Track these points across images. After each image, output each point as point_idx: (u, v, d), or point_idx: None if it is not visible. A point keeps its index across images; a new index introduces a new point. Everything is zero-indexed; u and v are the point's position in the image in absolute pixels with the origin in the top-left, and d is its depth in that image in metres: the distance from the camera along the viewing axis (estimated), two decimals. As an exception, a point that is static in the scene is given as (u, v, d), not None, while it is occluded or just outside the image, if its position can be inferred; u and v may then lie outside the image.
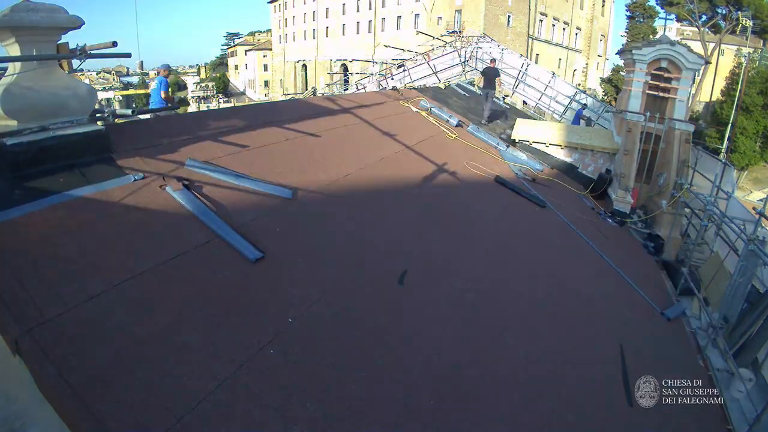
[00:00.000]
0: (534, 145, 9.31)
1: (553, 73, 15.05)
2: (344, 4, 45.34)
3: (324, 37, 49.00)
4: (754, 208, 6.32)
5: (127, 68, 67.44)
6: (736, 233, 5.56)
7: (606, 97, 29.55)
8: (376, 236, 3.90)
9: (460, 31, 17.90)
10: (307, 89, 40.94)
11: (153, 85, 8.67)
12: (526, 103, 15.83)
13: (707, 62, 14.22)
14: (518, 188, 6.69)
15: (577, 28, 40.61)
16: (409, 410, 2.35)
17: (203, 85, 66.79)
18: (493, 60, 11.52)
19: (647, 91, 8.57)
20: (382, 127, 6.37)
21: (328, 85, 31.11)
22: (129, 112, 3.66)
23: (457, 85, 13.39)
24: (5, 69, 2.91)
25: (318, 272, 3.05)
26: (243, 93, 62.75)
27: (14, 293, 1.99)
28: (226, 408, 1.92)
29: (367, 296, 3.08)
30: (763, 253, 4.57)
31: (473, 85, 14.24)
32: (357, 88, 18.76)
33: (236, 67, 69.08)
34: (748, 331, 4.74)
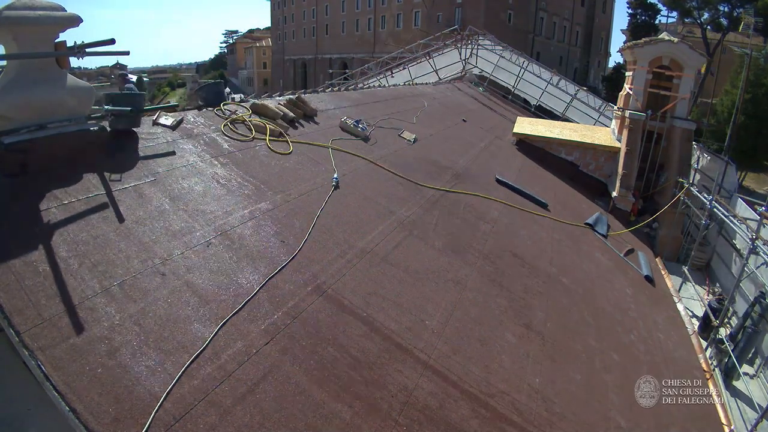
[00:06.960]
0: (534, 144, 9.28)
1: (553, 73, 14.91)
2: (344, 1, 45.15)
3: (324, 35, 48.79)
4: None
5: (125, 66, 66.99)
6: (739, 232, 5.54)
7: (607, 95, 29.41)
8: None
9: (461, 28, 17.81)
10: (306, 87, 40.73)
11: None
12: (527, 102, 15.77)
13: (709, 60, 14.18)
14: (519, 188, 6.66)
15: (578, 25, 40.40)
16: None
17: (201, 82, 66.30)
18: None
19: (648, 89, 8.52)
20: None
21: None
22: (127, 110, 3.62)
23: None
24: (2, 67, 2.88)
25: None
26: (246, 93, 62.53)
27: (13, 293, 1.97)
28: (225, 408, 1.91)
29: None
30: (766, 253, 4.55)
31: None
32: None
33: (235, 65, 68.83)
34: (751, 331, 4.73)
